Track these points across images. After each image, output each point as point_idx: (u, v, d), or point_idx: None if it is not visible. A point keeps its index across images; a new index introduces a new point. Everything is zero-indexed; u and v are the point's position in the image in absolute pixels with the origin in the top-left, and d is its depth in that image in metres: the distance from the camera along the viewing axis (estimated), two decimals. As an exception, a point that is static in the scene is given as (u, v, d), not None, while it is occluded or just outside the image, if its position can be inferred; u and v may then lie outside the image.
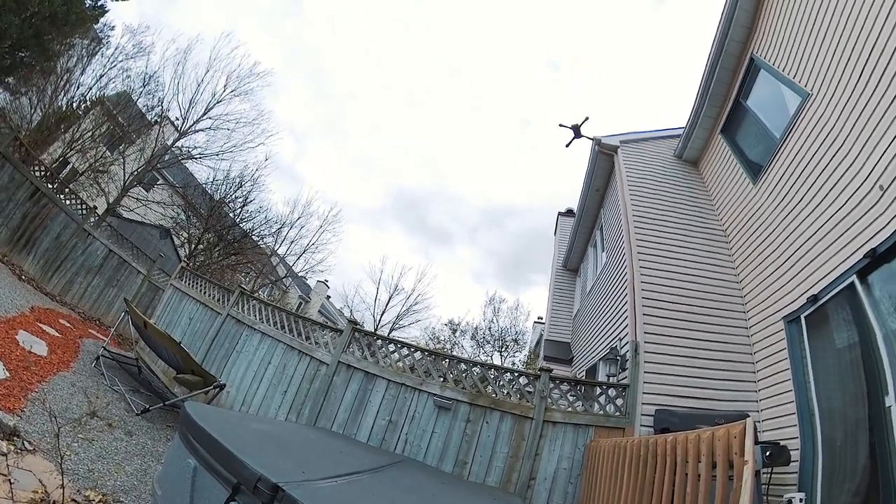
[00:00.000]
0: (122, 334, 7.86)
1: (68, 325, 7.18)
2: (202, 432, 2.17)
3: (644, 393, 4.77)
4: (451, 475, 4.40)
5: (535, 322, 23.33)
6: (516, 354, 27.02)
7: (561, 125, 8.78)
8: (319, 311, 29.75)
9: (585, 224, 10.50)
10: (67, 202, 8.84)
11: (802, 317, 4.23)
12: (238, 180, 16.30)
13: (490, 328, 27.88)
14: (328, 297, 32.33)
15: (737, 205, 6.01)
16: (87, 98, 12.62)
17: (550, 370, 4.98)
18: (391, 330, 24.68)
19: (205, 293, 7.41)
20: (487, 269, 61.98)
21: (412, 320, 25.45)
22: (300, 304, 28.14)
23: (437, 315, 30.31)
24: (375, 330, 21.67)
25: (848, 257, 3.67)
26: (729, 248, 6.09)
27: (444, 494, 3.00)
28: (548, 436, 4.64)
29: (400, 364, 5.39)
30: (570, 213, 14.20)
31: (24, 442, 3.14)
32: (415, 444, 4.82)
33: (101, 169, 13.15)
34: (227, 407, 5.74)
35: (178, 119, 14.88)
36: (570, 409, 4.78)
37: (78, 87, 12.37)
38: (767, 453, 3.70)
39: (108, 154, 13.90)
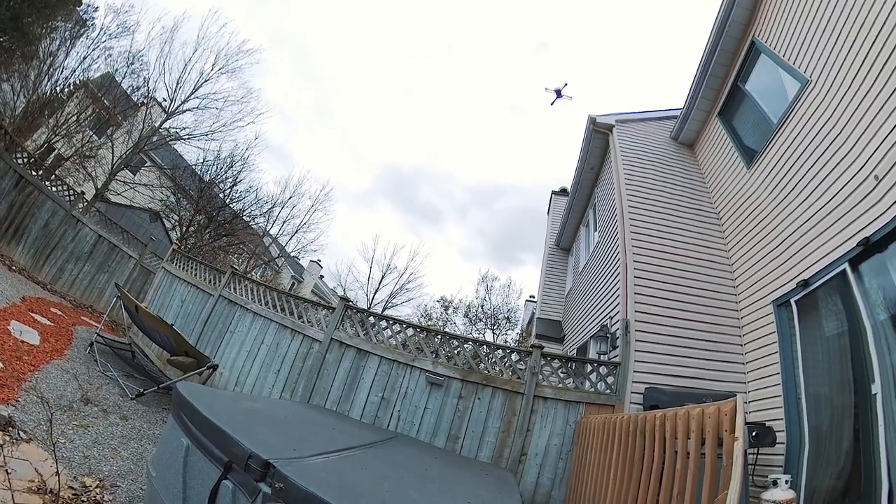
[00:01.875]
0: (114, 320, 7.83)
1: (60, 313, 7.11)
2: (194, 411, 2.17)
3: (634, 371, 4.85)
4: (444, 450, 4.47)
5: (526, 300, 23.56)
6: (508, 332, 27.39)
7: (546, 89, 9.16)
8: (313, 291, 29.73)
9: (579, 203, 10.51)
10: (54, 189, 8.66)
11: (793, 301, 4.30)
12: (228, 160, 16.07)
13: (482, 306, 28.23)
14: (321, 276, 32.33)
15: (731, 189, 6.04)
16: (72, 82, 12.18)
17: (542, 347, 5.03)
18: (384, 308, 24.85)
19: (196, 275, 7.35)
20: (478, 248, 62.23)
21: (405, 299, 25.68)
22: (293, 284, 28.08)
23: (429, 293, 30.64)
24: (368, 308, 21.79)
25: (840, 245, 3.71)
26: (722, 230, 6.14)
27: (435, 469, 3.04)
28: (539, 411, 4.73)
29: (392, 341, 5.41)
30: (563, 192, 14.18)
31: (20, 431, 3.14)
32: (407, 420, 4.89)
33: (87, 154, 12.82)
34: (221, 387, 5.75)
35: (165, 100, 14.44)
36: (561, 386, 4.84)
37: (62, 71, 11.91)
38: (754, 433, 3.82)
39: (95, 138, 13.51)
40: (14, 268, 7.71)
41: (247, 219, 16.80)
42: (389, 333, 5.48)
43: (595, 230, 9.16)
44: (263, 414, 2.83)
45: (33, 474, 2.73)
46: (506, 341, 26.09)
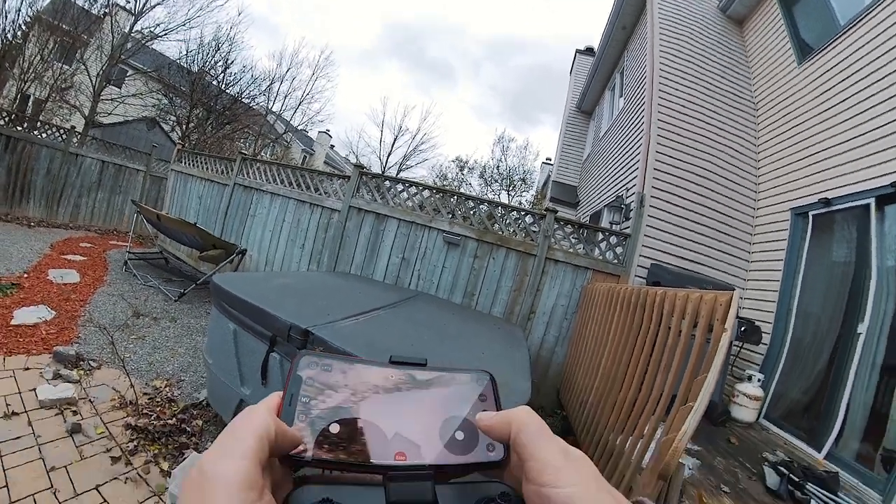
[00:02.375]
0: (140, 234, 8.17)
1: (89, 245, 7.42)
2: (233, 298, 2.40)
3: (643, 245, 4.93)
4: (461, 306, 4.79)
5: (543, 163, 23.02)
6: (523, 194, 27.46)
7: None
8: (325, 162, 29.54)
9: (606, 64, 9.57)
10: (44, 135, 8.38)
11: (811, 214, 4.21)
12: (213, 44, 14.73)
13: (498, 167, 27.94)
14: (332, 146, 31.83)
15: (775, 81, 5.43)
16: (21, 22, 10.61)
17: (556, 211, 5.06)
18: (398, 171, 24.96)
19: (207, 169, 7.35)
20: (493, 107, 58.53)
21: (419, 160, 25.63)
22: (304, 157, 27.78)
23: (443, 154, 30.23)
24: (382, 172, 21.83)
25: (874, 178, 3.50)
26: (756, 122, 5.66)
27: (453, 325, 3.28)
28: (549, 273, 4.96)
29: (409, 203, 5.52)
30: (589, 51, 12.83)
31: (89, 362, 3.54)
32: (427, 279, 5.23)
33: (64, 86, 11.87)
34: (252, 269, 6.20)
35: (128, 2, 12.81)
36: (571, 251, 4.99)
37: (6, 16, 10.31)
38: (742, 328, 4.01)
39: (66, 67, 12.27)
40: (32, 224, 7.90)
41: (246, 101, 15.99)
42: (406, 196, 5.55)
43: (620, 96, 8.52)
44: (295, 288, 3.05)
45: (112, 394, 3.18)
46: (521, 203, 26.31)
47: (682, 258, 5.18)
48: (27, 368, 3.22)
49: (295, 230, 5.97)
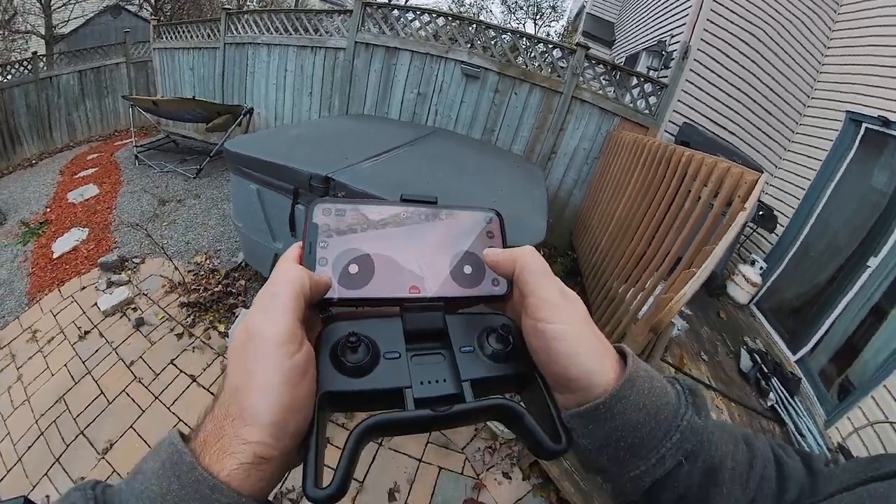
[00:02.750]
0: (143, 126, 7.82)
1: (96, 155, 7.19)
2: (249, 159, 2.45)
3: (678, 101, 4.48)
4: (480, 141, 4.68)
5: (578, -10, 19.33)
6: (552, 24, 24.34)
7: None
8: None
9: None
10: (9, 77, 7.50)
11: (864, 125, 3.82)
12: None
13: (525, -9, 23.78)
14: None
15: None
16: None
17: (588, 47, 4.54)
18: None
19: (191, 37, 6.73)
20: None
21: None
22: (296, -2, 24.32)
23: None
24: (389, 1, 19.21)
25: None
26: (836, 10, 4.74)
27: (472, 161, 3.24)
28: (574, 112, 4.65)
29: (422, 33, 5.04)
30: None
31: (132, 260, 3.80)
32: (445, 114, 5.03)
33: (7, 17, 10.15)
34: (262, 127, 6.08)
35: None
36: (601, 93, 4.58)
37: None
38: (761, 213, 3.89)
39: None
40: (34, 161, 7.58)
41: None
42: (418, 25, 5.05)
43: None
44: (309, 137, 3.04)
45: (161, 281, 3.50)
46: (548, 34, 23.33)
47: (717, 124, 4.76)
48: (83, 288, 3.55)
49: (300, 78, 5.63)
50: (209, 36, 6.43)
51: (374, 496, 2.12)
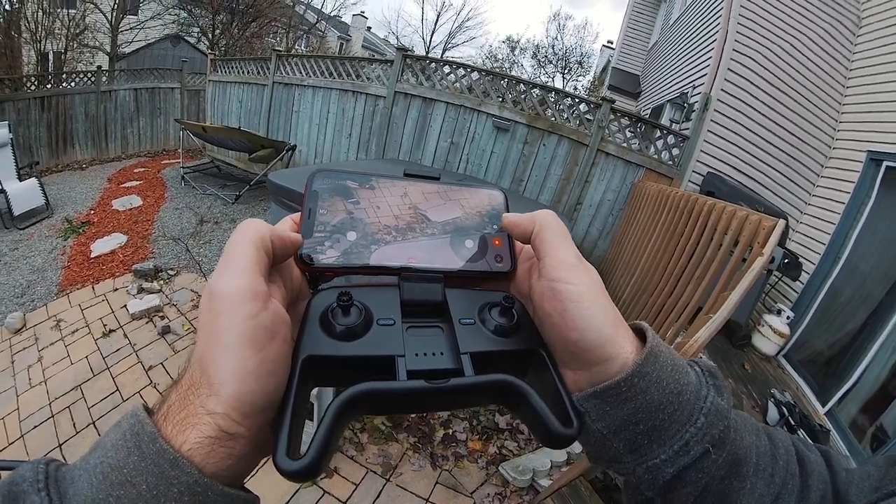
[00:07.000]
0: (189, 149, 8.39)
1: (143, 169, 7.79)
2: (291, 192, 2.56)
3: (701, 151, 4.57)
4: (510, 190, 4.77)
5: (603, 46, 20.46)
6: (579, 78, 25.29)
7: None
8: (363, 47, 27.86)
9: None
10: (73, 84, 8.37)
11: (885, 164, 3.78)
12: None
13: (553, 47, 25.34)
14: (368, 28, 29.74)
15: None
16: None
17: (613, 101, 4.72)
18: (444, 51, 23.51)
19: (243, 72, 7.27)
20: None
21: (465, 38, 23.57)
22: (341, 45, 26.22)
23: (492, 31, 27.61)
24: (427, 53, 20.40)
25: None
26: (853, 42, 4.75)
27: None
28: (599, 165, 4.76)
29: (457, 86, 5.29)
30: None
31: (167, 271, 4.01)
32: (475, 163, 5.19)
33: (77, 32, 11.13)
34: (302, 164, 6.36)
35: None
36: (625, 146, 4.70)
37: None
38: (786, 260, 3.80)
39: (73, 11, 11.35)
40: (84, 166, 8.24)
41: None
42: (453, 78, 5.31)
43: (699, -21, 7.12)
44: None
45: (190, 294, 3.66)
46: (576, 88, 24.38)
47: (742, 173, 4.79)
48: (115, 290, 3.74)
49: (340, 120, 5.95)
50: (258, 73, 6.91)
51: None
